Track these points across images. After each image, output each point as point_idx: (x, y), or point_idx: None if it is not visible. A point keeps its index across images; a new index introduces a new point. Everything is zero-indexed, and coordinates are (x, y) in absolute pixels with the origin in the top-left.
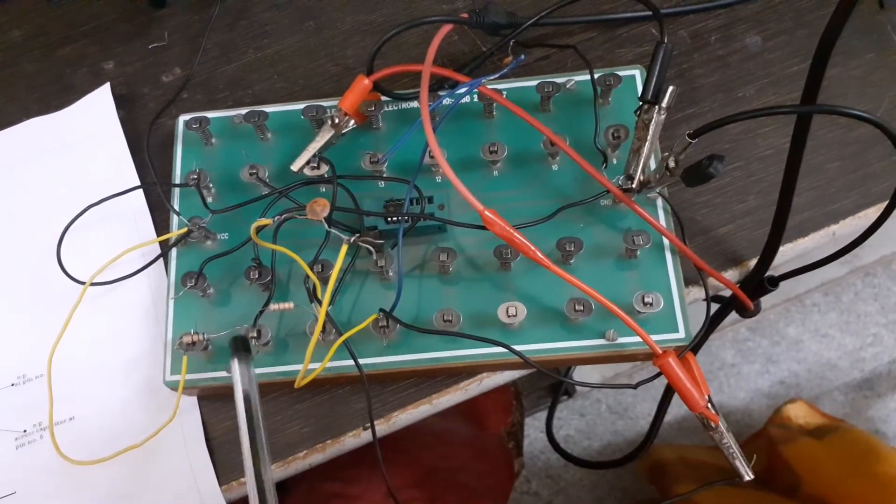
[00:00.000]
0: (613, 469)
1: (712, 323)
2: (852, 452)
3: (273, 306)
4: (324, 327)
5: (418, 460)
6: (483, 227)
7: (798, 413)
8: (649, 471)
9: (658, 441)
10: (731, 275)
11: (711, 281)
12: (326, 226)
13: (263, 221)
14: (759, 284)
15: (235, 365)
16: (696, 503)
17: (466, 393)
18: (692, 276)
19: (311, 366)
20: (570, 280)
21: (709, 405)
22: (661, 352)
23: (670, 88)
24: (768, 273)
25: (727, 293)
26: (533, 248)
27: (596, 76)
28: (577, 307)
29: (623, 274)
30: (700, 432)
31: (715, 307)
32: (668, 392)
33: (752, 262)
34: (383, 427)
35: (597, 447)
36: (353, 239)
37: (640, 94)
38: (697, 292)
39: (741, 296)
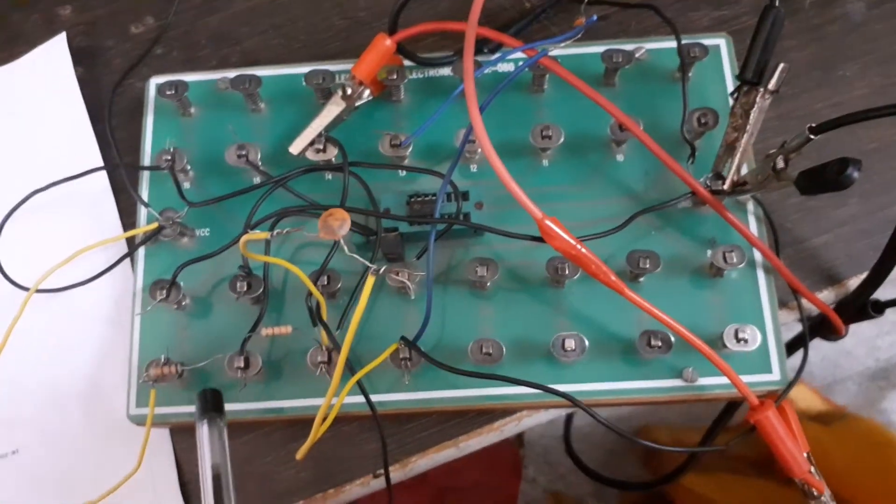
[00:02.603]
0: (616, 457)
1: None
2: (867, 444)
3: (265, 331)
4: (329, 358)
5: (428, 482)
6: (539, 239)
7: (799, 395)
8: (643, 453)
9: (653, 420)
10: (825, 296)
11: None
12: (346, 249)
13: (256, 235)
14: (861, 308)
15: (204, 430)
16: (697, 492)
17: (501, 434)
18: (781, 297)
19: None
20: (653, 314)
21: (812, 469)
22: (757, 403)
23: (780, 66)
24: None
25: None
26: (605, 268)
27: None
28: (652, 342)
29: (703, 295)
30: (694, 412)
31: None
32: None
33: (851, 281)
34: (399, 473)
35: (601, 431)
36: (382, 270)
37: (738, 72)
38: (784, 316)
39: (836, 322)
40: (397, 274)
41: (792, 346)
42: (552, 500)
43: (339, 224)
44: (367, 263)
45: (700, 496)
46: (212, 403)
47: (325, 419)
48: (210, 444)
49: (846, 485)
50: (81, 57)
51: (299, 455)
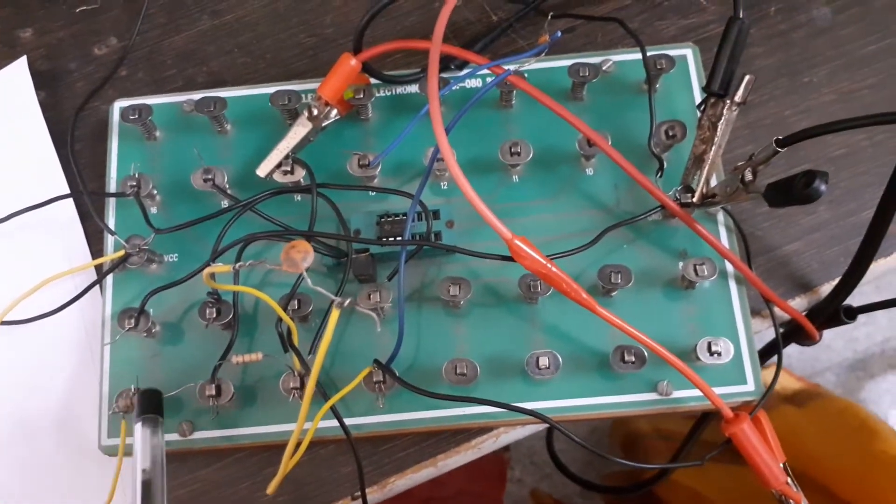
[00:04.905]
0: (600, 456)
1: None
2: (842, 426)
3: (235, 359)
4: (302, 383)
5: (412, 493)
6: (510, 258)
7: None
8: (623, 444)
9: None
10: (798, 303)
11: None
12: (309, 282)
13: (218, 268)
14: (833, 315)
15: (138, 431)
16: (680, 482)
17: (479, 451)
18: (754, 306)
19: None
20: (625, 330)
21: (789, 479)
22: (732, 415)
23: (746, 77)
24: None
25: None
26: (576, 286)
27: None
28: (625, 357)
29: (676, 308)
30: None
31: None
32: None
33: (823, 288)
34: (377, 495)
35: (585, 429)
36: (346, 302)
37: (705, 84)
38: (758, 323)
39: (810, 329)
40: (367, 300)
41: (767, 352)
42: (533, 499)
43: (303, 257)
44: (332, 296)
45: (683, 486)
46: (151, 404)
47: (294, 452)
48: (143, 448)
49: (820, 468)
50: (43, 81)
51: (270, 489)
